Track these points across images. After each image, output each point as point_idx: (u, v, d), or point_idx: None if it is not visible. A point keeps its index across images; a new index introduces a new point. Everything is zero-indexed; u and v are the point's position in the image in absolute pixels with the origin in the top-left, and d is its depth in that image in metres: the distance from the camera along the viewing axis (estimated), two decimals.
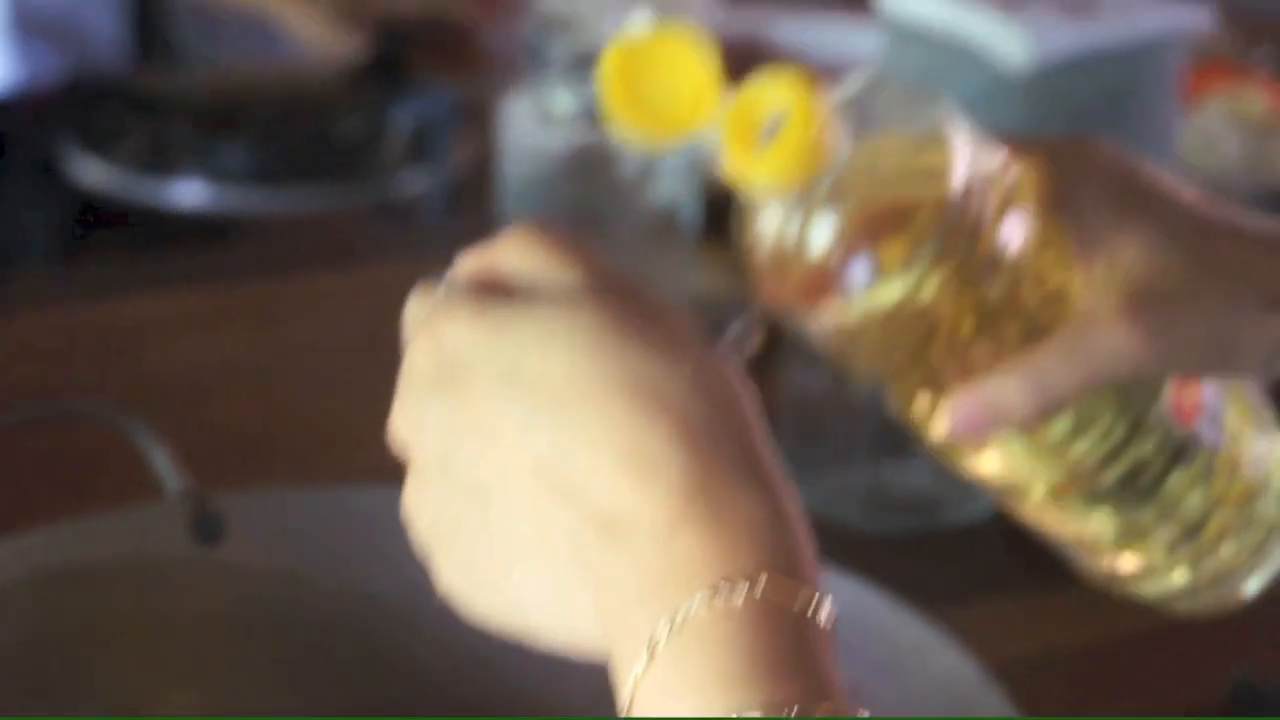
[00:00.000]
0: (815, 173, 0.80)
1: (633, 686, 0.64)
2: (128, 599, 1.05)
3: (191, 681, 1.05)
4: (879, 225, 0.82)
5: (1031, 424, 0.87)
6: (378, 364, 1.59)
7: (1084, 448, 0.89)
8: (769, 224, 0.83)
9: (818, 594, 0.66)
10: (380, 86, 1.99)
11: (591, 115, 1.59)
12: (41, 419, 1.06)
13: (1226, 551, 0.92)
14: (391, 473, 1.42)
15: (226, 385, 1.58)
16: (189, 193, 1.88)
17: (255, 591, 1.06)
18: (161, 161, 1.90)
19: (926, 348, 0.85)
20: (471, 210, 1.88)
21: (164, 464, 1.05)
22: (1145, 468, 0.90)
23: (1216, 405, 0.91)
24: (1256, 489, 0.93)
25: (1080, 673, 1.01)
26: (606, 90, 0.77)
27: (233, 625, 1.06)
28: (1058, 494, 0.91)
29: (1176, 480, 0.90)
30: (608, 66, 0.77)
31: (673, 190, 1.62)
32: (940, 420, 0.88)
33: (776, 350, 1.44)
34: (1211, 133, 1.86)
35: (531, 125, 1.61)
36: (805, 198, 0.81)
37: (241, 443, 1.47)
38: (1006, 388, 0.85)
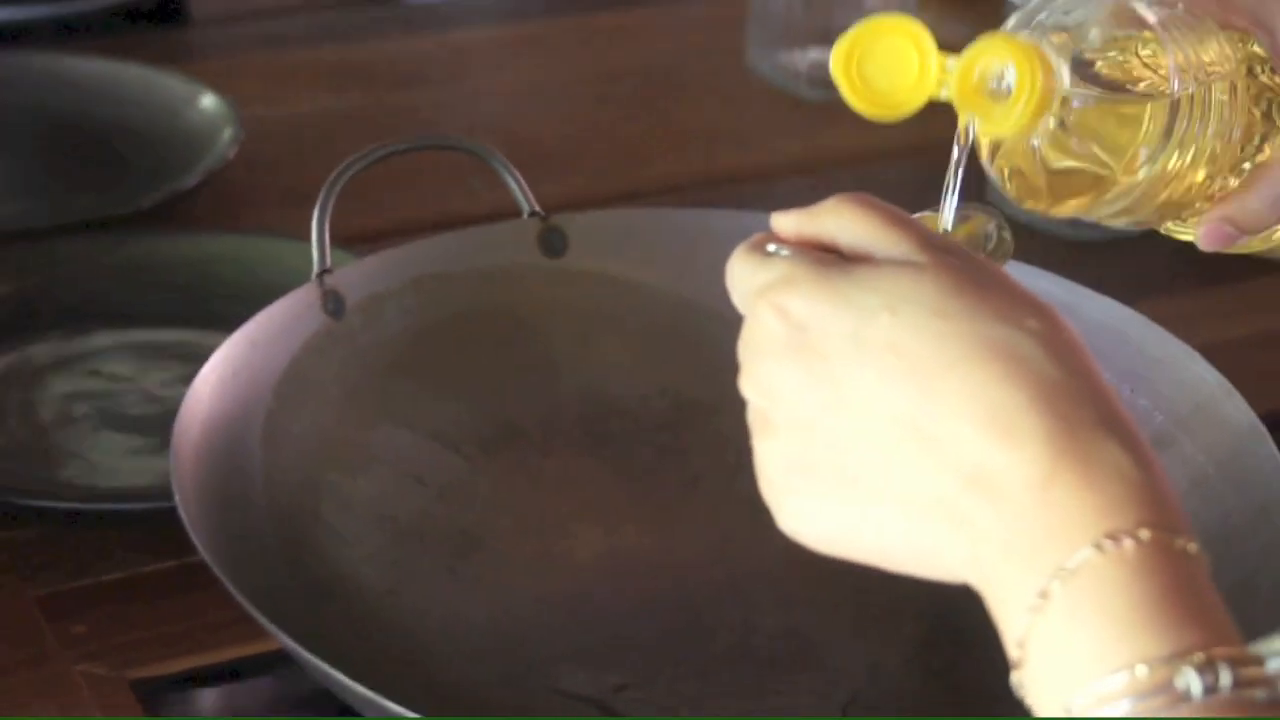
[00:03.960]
0: (1049, 110, 0.70)
1: (1025, 630, 0.55)
2: (488, 300, 0.98)
3: (541, 369, 0.98)
4: (1111, 124, 0.73)
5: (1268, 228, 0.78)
6: (646, 91, 1.53)
7: None
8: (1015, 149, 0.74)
9: (1196, 544, 0.56)
10: None
11: None
12: (425, 147, 0.97)
13: None
14: (687, 189, 1.37)
15: (543, 104, 1.50)
16: None
17: (592, 294, 1.00)
18: None
19: (1167, 198, 0.76)
20: None
21: (518, 189, 0.98)
22: None
23: None
24: None
25: (1238, 365, 0.91)
26: (840, 83, 0.68)
27: (574, 321, 0.99)
28: None
29: None
30: (836, 59, 0.68)
31: None
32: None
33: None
34: None
35: None
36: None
37: (561, 154, 1.38)
38: (1246, 204, 0.76)
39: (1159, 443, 0.90)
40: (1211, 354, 0.92)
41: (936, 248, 0.61)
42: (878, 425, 0.59)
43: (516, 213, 0.98)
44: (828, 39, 1.48)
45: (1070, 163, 0.73)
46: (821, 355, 0.60)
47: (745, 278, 0.63)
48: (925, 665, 0.89)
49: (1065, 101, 0.71)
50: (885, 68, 0.69)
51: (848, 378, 0.59)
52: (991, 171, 0.75)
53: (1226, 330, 1.02)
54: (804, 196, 1.38)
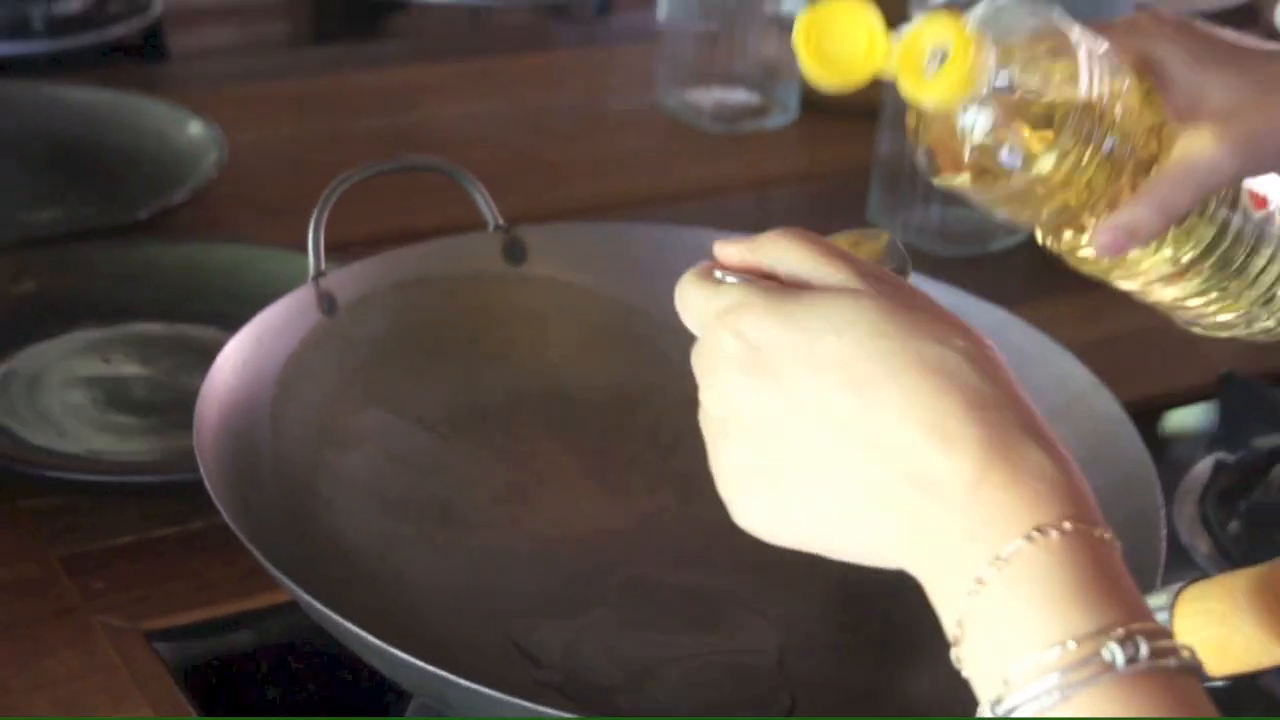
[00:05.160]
0: (974, 90, 0.70)
1: (964, 612, 0.54)
2: (458, 300, 0.97)
3: (503, 360, 0.97)
4: (1027, 118, 0.73)
5: (1157, 237, 0.78)
6: (571, 122, 1.53)
7: (1193, 252, 0.80)
8: (935, 117, 0.74)
9: (1112, 534, 0.55)
10: None
11: None
12: (401, 170, 0.96)
13: None
14: (609, 208, 1.36)
15: (480, 133, 1.49)
16: None
17: (548, 296, 0.99)
18: None
19: (1065, 201, 0.76)
20: (624, 12, 1.78)
21: (484, 204, 0.97)
22: (1236, 252, 0.81)
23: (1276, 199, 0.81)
24: None
25: (1096, 362, 0.92)
26: (800, 53, 0.67)
27: (532, 320, 0.98)
28: (1170, 283, 0.82)
29: (1260, 258, 0.81)
30: (798, 32, 0.67)
31: (791, 3, 1.50)
32: (1087, 247, 0.79)
33: (874, 120, 1.34)
34: None
35: None
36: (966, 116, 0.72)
37: (504, 170, 1.36)
38: (1138, 213, 0.76)
39: None
40: (1079, 352, 0.93)
41: (870, 275, 0.60)
42: (827, 432, 0.57)
43: (475, 226, 0.97)
44: (727, 81, 1.52)
45: (985, 146, 0.73)
46: (774, 372, 0.58)
47: (700, 302, 0.61)
48: (838, 620, 0.89)
49: (988, 84, 0.70)
50: (840, 41, 0.67)
51: (799, 391, 0.58)
52: (919, 153, 0.75)
53: (1089, 332, 1.02)
54: (709, 216, 1.39)
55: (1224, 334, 0.85)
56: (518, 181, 1.37)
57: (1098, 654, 0.51)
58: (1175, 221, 0.77)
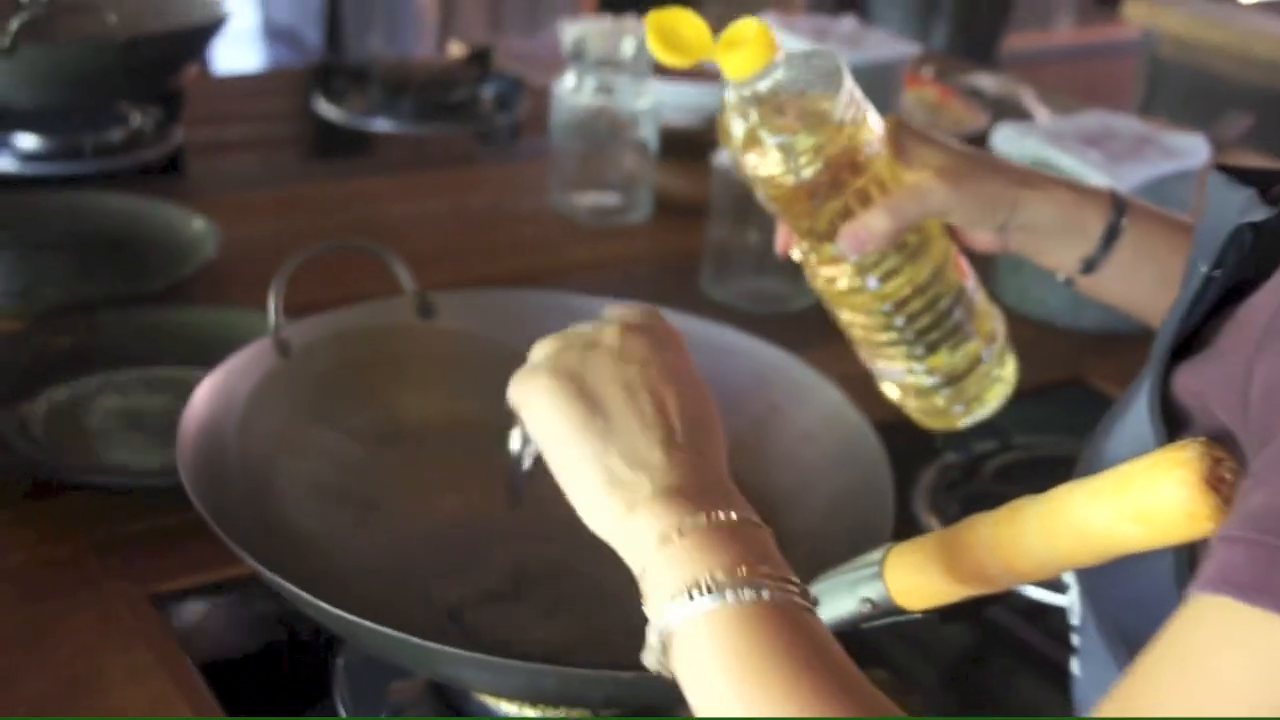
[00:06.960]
0: (768, 63, 0.74)
1: (640, 571, 0.59)
2: (384, 348, 0.98)
3: (422, 390, 0.98)
4: (795, 127, 0.75)
5: (892, 241, 0.79)
6: (485, 217, 1.54)
7: (907, 288, 0.82)
8: (734, 121, 0.76)
9: (747, 515, 0.59)
10: (477, 72, 1.87)
11: (605, 90, 1.48)
12: (337, 249, 0.97)
13: (969, 390, 0.85)
14: (509, 279, 1.36)
15: (414, 226, 1.49)
16: (383, 124, 1.76)
17: (452, 345, 0.99)
18: (368, 108, 1.79)
19: (811, 205, 0.78)
20: (528, 138, 1.78)
21: (403, 275, 0.98)
22: (941, 313, 0.82)
23: (972, 275, 0.84)
24: (996, 336, 0.84)
25: (856, 391, 0.93)
26: (651, 43, 0.72)
27: (440, 362, 0.99)
28: (883, 328, 0.83)
29: (956, 319, 0.82)
30: (649, 27, 0.72)
31: (646, 131, 1.51)
32: (827, 266, 0.81)
33: (706, 216, 1.36)
34: (911, 108, 1.78)
35: (571, 93, 1.50)
36: (755, 98, 0.75)
37: (434, 252, 1.37)
38: (875, 217, 0.78)
39: (805, 439, 0.92)
40: (845, 384, 0.94)
41: (631, 326, 0.65)
42: (576, 437, 0.63)
43: (401, 291, 0.98)
44: (600, 187, 1.53)
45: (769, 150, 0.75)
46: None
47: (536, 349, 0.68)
48: None
49: (774, 64, 0.74)
50: (677, 35, 0.72)
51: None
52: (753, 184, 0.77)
53: (855, 369, 1.04)
54: (585, 286, 1.39)
55: (931, 420, 0.86)
56: (443, 261, 1.38)
57: (732, 591, 0.55)
58: (901, 227, 0.78)
